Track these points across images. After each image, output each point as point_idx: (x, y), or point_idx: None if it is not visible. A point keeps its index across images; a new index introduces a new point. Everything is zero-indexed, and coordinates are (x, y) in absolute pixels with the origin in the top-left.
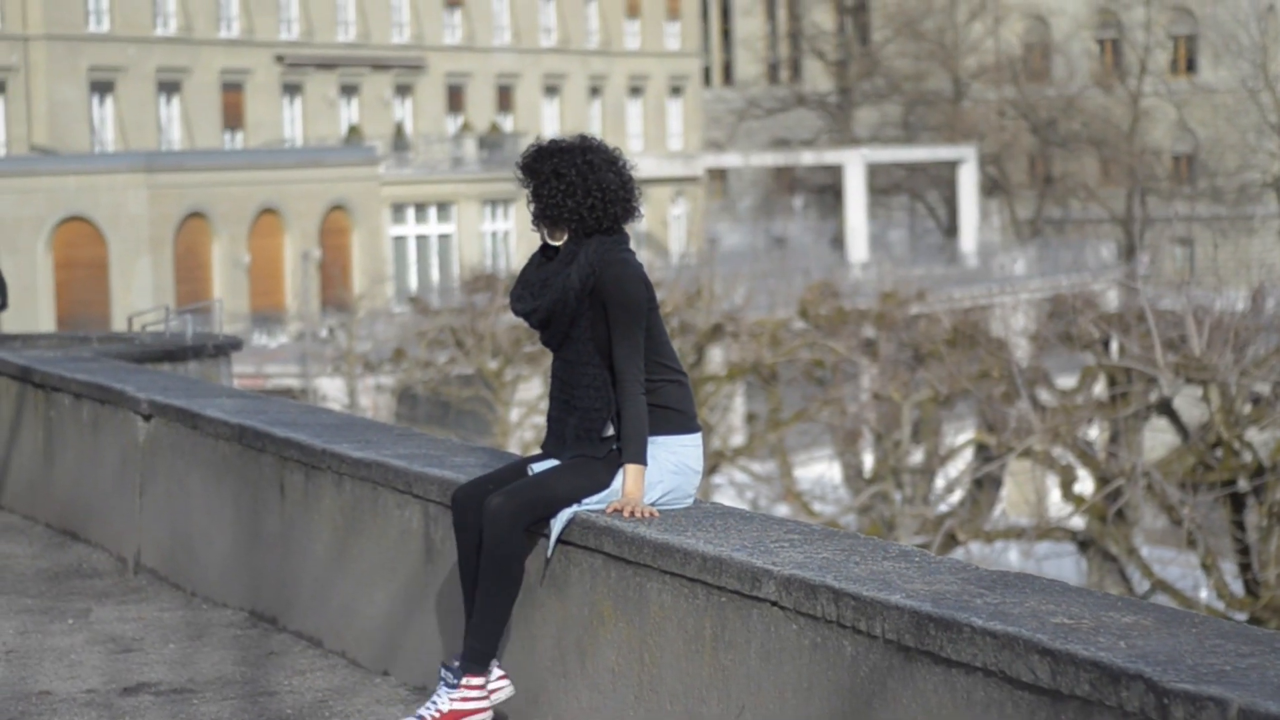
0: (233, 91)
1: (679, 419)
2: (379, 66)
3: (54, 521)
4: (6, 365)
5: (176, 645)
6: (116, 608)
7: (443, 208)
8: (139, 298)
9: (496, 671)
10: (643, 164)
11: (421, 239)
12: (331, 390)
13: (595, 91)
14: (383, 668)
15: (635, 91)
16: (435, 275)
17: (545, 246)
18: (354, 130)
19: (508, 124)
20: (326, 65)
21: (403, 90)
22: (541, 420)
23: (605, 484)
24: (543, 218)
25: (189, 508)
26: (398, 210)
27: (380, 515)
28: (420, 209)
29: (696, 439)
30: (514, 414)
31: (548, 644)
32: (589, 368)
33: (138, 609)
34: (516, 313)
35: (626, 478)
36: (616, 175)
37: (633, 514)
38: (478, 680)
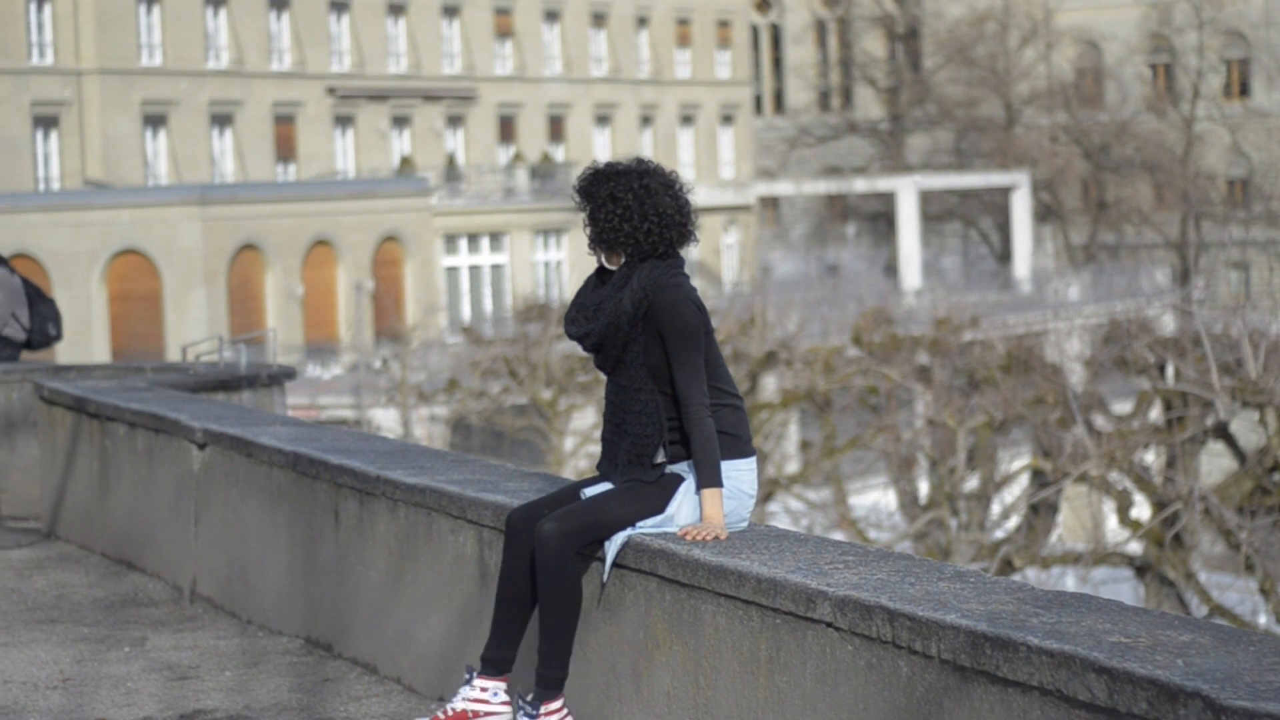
0: (285, 124)
1: (734, 443)
2: (430, 97)
3: (110, 551)
4: (62, 395)
5: (233, 673)
6: (173, 636)
7: (495, 238)
8: (193, 330)
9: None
10: (695, 192)
11: (474, 269)
12: (386, 421)
13: (647, 121)
14: (438, 694)
15: (686, 120)
16: (488, 305)
17: (601, 270)
18: (406, 161)
19: (559, 154)
20: (378, 97)
21: (454, 121)
22: (595, 449)
23: (659, 509)
24: (599, 241)
25: (244, 535)
26: (450, 241)
27: (434, 541)
28: (473, 239)
29: (751, 463)
30: (568, 443)
31: (602, 667)
32: (641, 393)
33: (194, 637)
34: (570, 336)
35: (705, 503)
36: (673, 199)
37: (716, 538)
38: (555, 704)
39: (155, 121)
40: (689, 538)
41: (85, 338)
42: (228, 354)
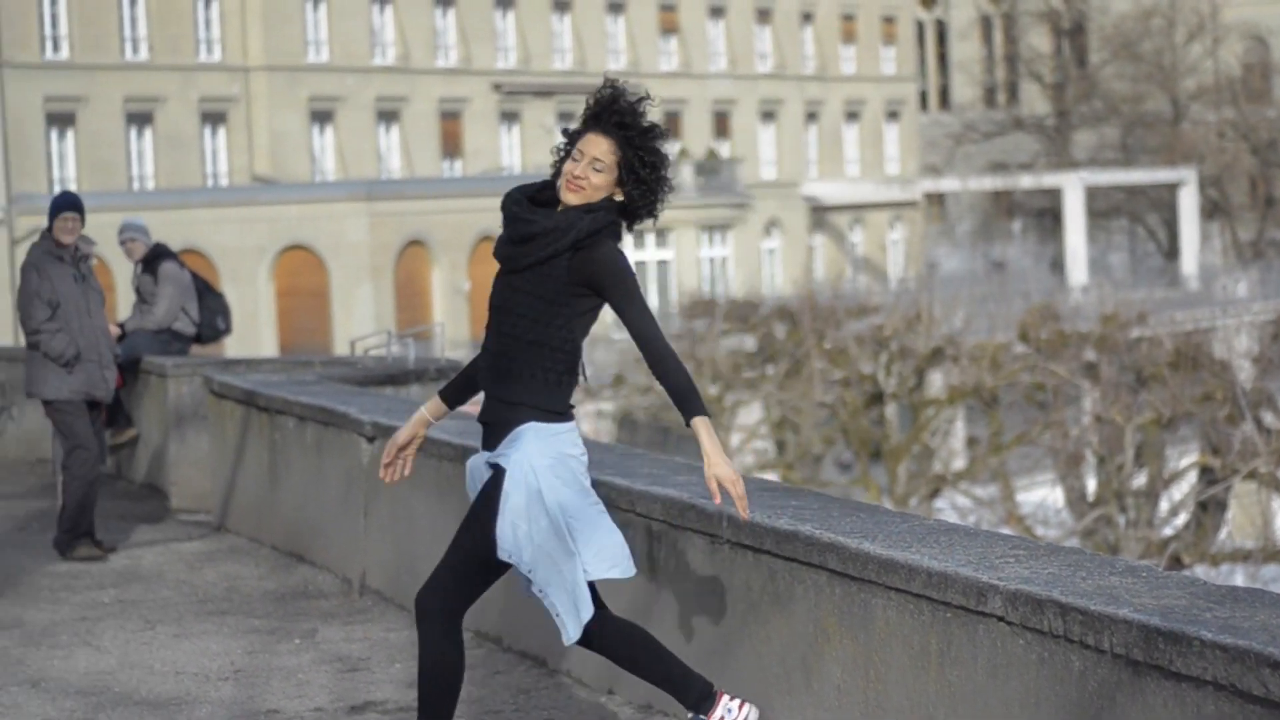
0: (450, 120)
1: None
2: None
3: (280, 543)
4: (232, 389)
5: (403, 665)
6: (343, 628)
7: (660, 234)
8: (360, 325)
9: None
10: (860, 189)
11: (639, 265)
12: None
13: (812, 117)
14: (607, 686)
15: (852, 116)
16: (654, 301)
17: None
18: None
19: (725, 150)
20: (543, 93)
21: None
22: (761, 445)
23: (494, 501)
24: (632, 173)
25: (413, 528)
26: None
27: None
28: (638, 235)
29: (573, 425)
30: (734, 439)
31: (773, 661)
32: (555, 320)
33: (364, 629)
34: (504, 207)
35: (701, 434)
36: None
37: (726, 490)
38: None
39: (322, 117)
40: (718, 490)
41: (253, 332)
42: (395, 348)
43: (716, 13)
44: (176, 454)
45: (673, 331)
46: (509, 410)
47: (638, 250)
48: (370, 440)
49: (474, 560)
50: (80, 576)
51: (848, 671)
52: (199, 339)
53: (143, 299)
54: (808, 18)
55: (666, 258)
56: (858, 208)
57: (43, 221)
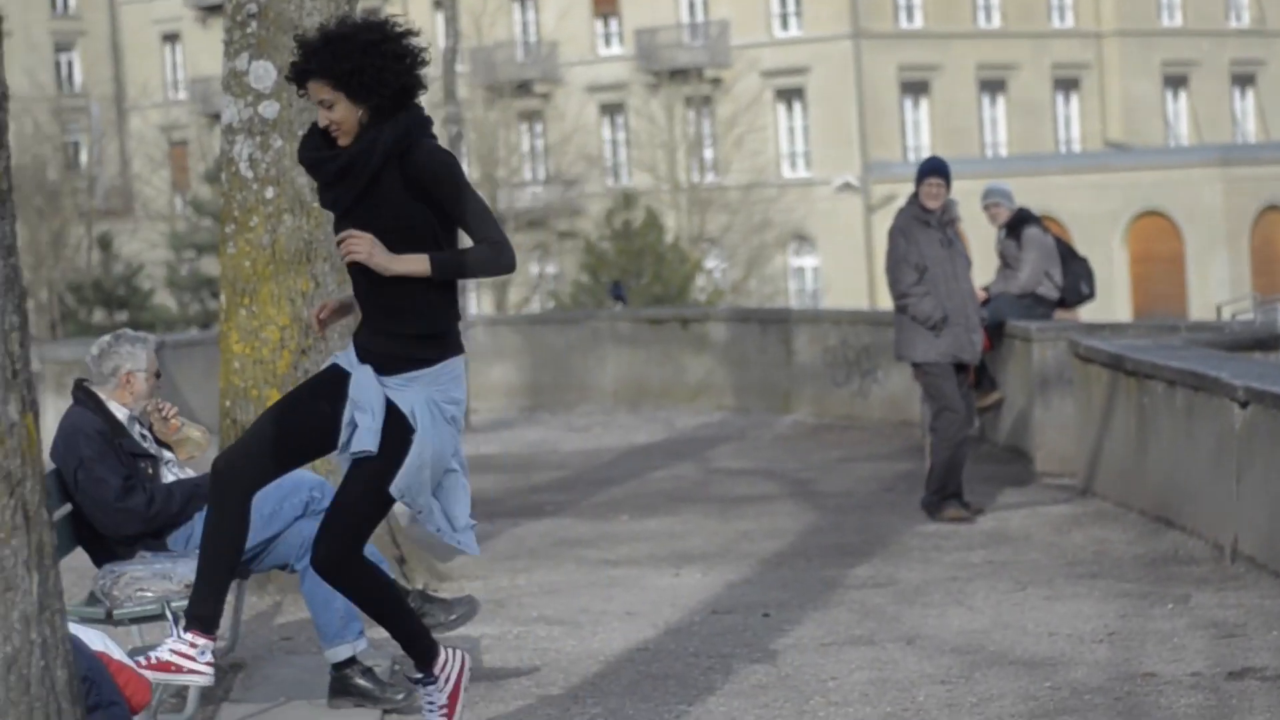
0: None
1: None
2: None
3: (1148, 508)
4: (1098, 353)
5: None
6: (1215, 594)
7: None
8: (1215, 291)
9: None
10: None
11: None
12: None
13: None
14: None
15: None
16: None
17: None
18: None
19: None
20: None
21: None
22: None
23: (401, 449)
24: (362, 91)
25: None
26: None
27: None
28: None
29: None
30: None
31: None
32: (394, 236)
33: (1237, 595)
34: (304, 160)
35: (408, 257)
36: (415, 45)
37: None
38: (438, 663)
39: (1175, 82)
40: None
41: (1106, 298)
42: (1261, 312)
43: None
44: (1041, 417)
45: None
46: (394, 344)
47: None
48: (1243, 405)
49: (283, 447)
50: (949, 537)
51: None
52: (1062, 303)
53: (1006, 263)
54: None
55: None
56: None
57: (897, 189)
